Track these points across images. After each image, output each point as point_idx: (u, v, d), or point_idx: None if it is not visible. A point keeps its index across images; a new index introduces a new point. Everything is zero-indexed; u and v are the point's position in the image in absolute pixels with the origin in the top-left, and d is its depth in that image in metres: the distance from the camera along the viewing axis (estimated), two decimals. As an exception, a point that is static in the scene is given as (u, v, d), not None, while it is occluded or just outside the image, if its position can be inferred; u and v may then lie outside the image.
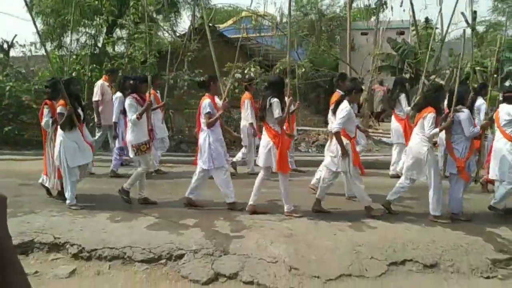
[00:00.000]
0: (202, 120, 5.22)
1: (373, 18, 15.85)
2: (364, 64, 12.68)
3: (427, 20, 14.97)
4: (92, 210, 5.16)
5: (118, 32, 15.81)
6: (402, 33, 16.51)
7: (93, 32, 14.67)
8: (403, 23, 15.45)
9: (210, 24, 14.53)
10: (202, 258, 3.84)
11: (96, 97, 7.59)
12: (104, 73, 7.97)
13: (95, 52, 14.05)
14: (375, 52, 12.64)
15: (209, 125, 5.12)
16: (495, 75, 9.91)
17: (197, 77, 9.68)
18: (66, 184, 5.26)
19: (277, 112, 4.79)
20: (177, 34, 15.79)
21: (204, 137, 5.21)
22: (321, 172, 5.79)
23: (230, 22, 19.53)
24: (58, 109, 5.12)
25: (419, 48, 11.53)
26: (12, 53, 17.48)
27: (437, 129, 4.76)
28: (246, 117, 7.41)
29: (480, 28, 16.02)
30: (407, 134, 6.44)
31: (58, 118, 5.16)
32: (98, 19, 13.62)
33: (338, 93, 6.06)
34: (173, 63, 11.45)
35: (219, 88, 5.56)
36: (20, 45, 13.18)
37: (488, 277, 3.65)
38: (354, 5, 16.00)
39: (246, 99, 7.35)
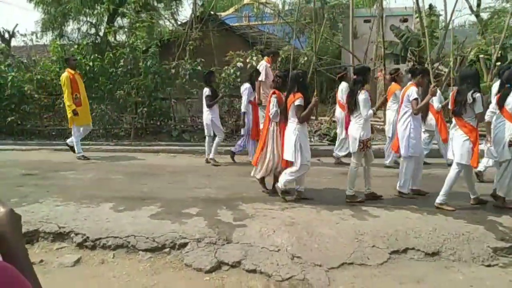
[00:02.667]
0: (405, 107, 5.25)
1: (376, 5, 15.67)
2: (367, 52, 12.59)
3: (430, 7, 14.80)
4: (95, 199, 5.19)
5: (119, 21, 15.73)
6: (405, 20, 16.35)
7: (94, 21, 14.62)
8: (407, 10, 15.29)
9: (212, 12, 14.45)
10: (205, 246, 3.87)
11: (262, 77, 7.61)
12: (266, 55, 8.02)
13: (96, 41, 14.00)
14: (378, 40, 12.53)
15: (418, 111, 5.17)
16: (498, 63, 9.83)
17: (199, 66, 9.66)
18: (289, 175, 5.05)
19: (479, 107, 4.68)
20: (179, 23, 15.69)
21: (405, 124, 5.24)
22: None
23: (231, 10, 19.37)
24: (297, 101, 4.94)
25: (422, 36, 11.41)
26: (13, 42, 17.50)
27: None
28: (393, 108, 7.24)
29: (485, 15, 15.83)
30: None
31: (295, 110, 4.97)
32: (99, 8, 13.56)
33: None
34: (175, 52, 11.42)
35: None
36: (21, 35, 13.13)
37: (489, 265, 3.66)
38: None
39: (396, 90, 7.11)
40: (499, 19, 14.64)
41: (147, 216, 4.57)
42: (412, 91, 5.21)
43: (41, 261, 3.77)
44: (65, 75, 7.83)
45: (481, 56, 10.95)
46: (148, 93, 9.65)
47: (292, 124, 5.05)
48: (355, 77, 5.20)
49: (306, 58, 11.37)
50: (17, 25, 27.81)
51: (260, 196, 5.38)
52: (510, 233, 4.09)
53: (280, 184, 5.15)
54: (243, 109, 7.24)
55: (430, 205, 4.97)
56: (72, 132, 8.04)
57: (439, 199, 4.87)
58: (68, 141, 8.25)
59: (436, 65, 11.38)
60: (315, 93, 5.10)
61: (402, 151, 5.29)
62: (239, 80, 9.52)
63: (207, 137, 7.64)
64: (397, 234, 4.06)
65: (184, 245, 3.91)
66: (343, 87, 7.43)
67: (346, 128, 5.50)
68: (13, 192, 5.54)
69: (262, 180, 5.57)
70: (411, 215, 4.60)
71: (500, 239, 3.97)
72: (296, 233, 4.08)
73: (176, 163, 7.71)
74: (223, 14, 18.73)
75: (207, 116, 7.48)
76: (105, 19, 14.51)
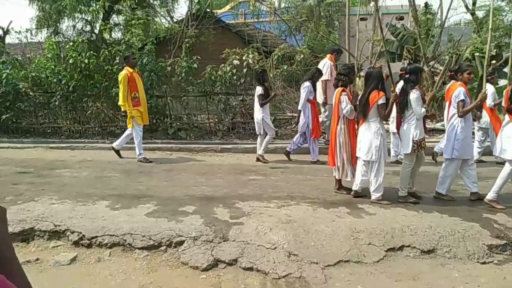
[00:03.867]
0: (454, 108, 5.07)
1: (372, 3, 15.69)
2: (363, 50, 12.59)
3: (426, 5, 14.82)
4: (91, 197, 5.17)
5: (115, 18, 15.66)
6: (401, 18, 16.39)
7: (89, 18, 14.55)
8: (402, 8, 15.33)
9: (208, 10, 14.42)
10: (202, 244, 3.87)
11: (326, 76, 7.53)
12: (330, 52, 7.85)
13: (92, 38, 13.93)
14: (373, 38, 12.55)
15: (463, 114, 4.97)
16: (493, 61, 9.87)
17: (195, 64, 9.62)
18: (377, 179, 4.95)
19: None
20: (175, 20, 15.65)
21: (454, 125, 5.06)
22: None
23: (227, 7, 19.33)
24: (381, 100, 4.86)
25: (418, 34, 11.42)
26: (8, 39, 17.38)
27: None
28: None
29: (480, 13, 15.87)
30: None
31: (379, 109, 4.87)
32: (94, 5, 13.48)
33: None
34: (171, 49, 11.38)
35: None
36: (16, 32, 13.05)
37: (484, 263, 3.68)
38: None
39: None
40: (494, 17, 14.68)
41: (143, 214, 4.56)
42: (459, 91, 5.01)
43: (37, 259, 3.75)
44: (124, 73, 7.48)
45: (477, 54, 10.96)
46: (144, 91, 9.59)
47: (374, 123, 4.95)
48: (407, 76, 5.06)
49: (302, 56, 11.35)
50: (11, 22, 27.61)
51: (256, 194, 5.37)
52: (505, 231, 4.11)
53: (356, 187, 5.09)
54: (299, 107, 7.18)
55: (425, 203, 5.00)
56: (134, 134, 7.56)
57: (490, 195, 4.82)
58: (114, 145, 7.81)
59: (432, 63, 11.42)
60: (391, 89, 5.01)
61: (446, 153, 5.10)
62: (235, 77, 9.50)
63: (259, 136, 7.59)
64: (393, 231, 4.07)
65: (180, 243, 3.91)
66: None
67: (398, 129, 5.39)
68: (8, 190, 5.51)
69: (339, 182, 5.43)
70: (407, 213, 4.62)
71: (495, 237, 3.99)
72: (293, 230, 4.08)
73: (172, 161, 7.69)
74: (219, 11, 18.69)
75: (259, 114, 7.39)
76: (101, 16, 14.44)
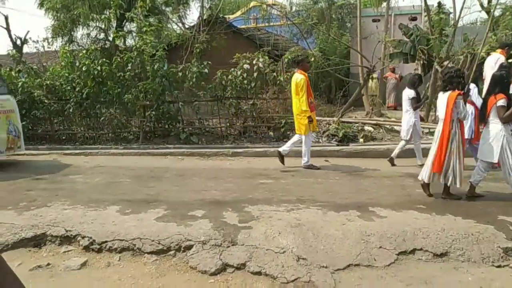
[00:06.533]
0: None
1: (383, 4, 15.56)
2: (375, 52, 12.48)
3: (439, 4, 14.64)
4: (102, 203, 5.22)
5: (128, 26, 15.88)
6: (414, 19, 16.19)
7: (103, 26, 14.79)
8: (415, 8, 15.16)
9: (220, 15, 14.51)
10: (211, 249, 3.86)
11: (491, 71, 7.08)
12: (501, 47, 7.49)
13: (105, 46, 14.15)
14: (386, 39, 12.44)
15: None
16: (510, 60, 9.66)
17: (206, 69, 9.67)
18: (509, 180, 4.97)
19: None
20: (186, 26, 15.78)
21: None
22: None
23: (239, 13, 19.41)
24: (500, 102, 4.89)
25: (431, 34, 11.26)
26: (26, 49, 17.80)
27: None
28: None
29: (496, 12, 15.57)
30: None
31: (498, 111, 4.91)
32: (107, 13, 13.71)
33: None
34: (183, 55, 11.47)
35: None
36: (33, 41, 13.34)
37: (499, 266, 3.57)
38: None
39: None
40: (509, 15, 14.38)
41: (153, 218, 4.58)
42: None
43: (48, 264, 3.79)
44: (302, 77, 6.96)
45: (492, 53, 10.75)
46: (156, 97, 9.70)
47: (496, 125, 4.95)
48: None
49: (313, 59, 11.30)
50: (28, 31, 28.27)
51: (266, 198, 5.35)
52: (521, 233, 4.00)
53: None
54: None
55: (438, 205, 4.90)
56: (304, 141, 7.16)
57: None
58: (281, 149, 7.34)
59: (445, 63, 11.23)
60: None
61: None
62: (245, 82, 9.50)
63: (404, 142, 7.27)
64: (405, 234, 3.99)
65: (189, 247, 3.90)
66: None
67: None
68: (22, 196, 5.61)
69: (427, 186, 5.32)
70: (418, 216, 4.53)
71: (511, 239, 3.88)
72: (302, 234, 4.04)
73: (184, 166, 7.72)
74: (231, 17, 18.79)
75: (410, 118, 7.12)
76: (114, 24, 14.67)
